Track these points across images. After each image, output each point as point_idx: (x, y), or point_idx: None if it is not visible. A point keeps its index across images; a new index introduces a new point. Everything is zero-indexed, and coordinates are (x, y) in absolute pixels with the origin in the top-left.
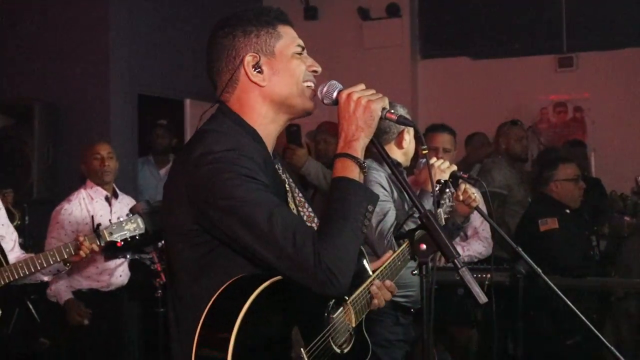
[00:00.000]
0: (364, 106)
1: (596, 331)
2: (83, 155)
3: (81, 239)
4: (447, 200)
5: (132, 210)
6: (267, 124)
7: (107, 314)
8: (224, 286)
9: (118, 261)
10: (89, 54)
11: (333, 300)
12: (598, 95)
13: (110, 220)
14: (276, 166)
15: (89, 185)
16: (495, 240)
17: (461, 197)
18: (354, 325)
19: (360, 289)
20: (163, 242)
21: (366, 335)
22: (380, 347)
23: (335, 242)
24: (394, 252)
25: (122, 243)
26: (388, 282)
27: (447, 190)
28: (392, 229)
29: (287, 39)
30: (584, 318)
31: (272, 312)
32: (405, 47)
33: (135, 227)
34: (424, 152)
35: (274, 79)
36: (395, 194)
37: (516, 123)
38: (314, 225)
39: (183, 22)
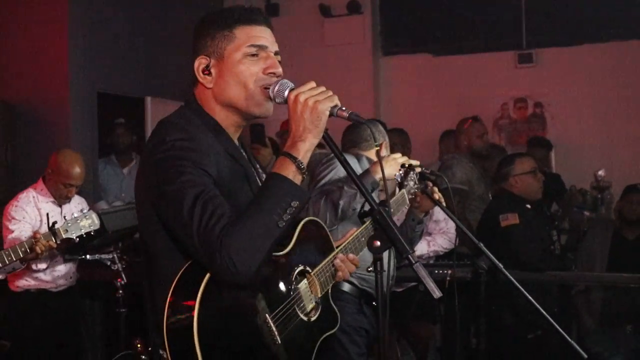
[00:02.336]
0: (311, 107)
1: (556, 324)
2: (56, 166)
3: (38, 235)
4: (412, 183)
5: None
6: (223, 119)
7: (60, 313)
8: (191, 262)
9: (68, 263)
10: (47, 52)
11: (297, 271)
12: (558, 91)
13: (65, 219)
14: (242, 153)
15: (39, 187)
16: (457, 235)
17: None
18: (319, 295)
19: (324, 261)
20: (121, 243)
21: (334, 306)
22: (342, 333)
23: (242, 232)
24: (357, 229)
25: (78, 240)
26: (351, 255)
27: (412, 173)
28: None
29: (240, 40)
30: (544, 312)
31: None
32: (367, 44)
33: (90, 223)
34: (377, 148)
35: (219, 82)
36: None
37: (477, 119)
38: None
39: (142, 19)
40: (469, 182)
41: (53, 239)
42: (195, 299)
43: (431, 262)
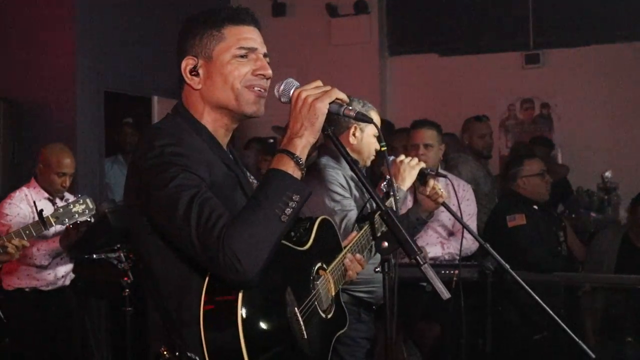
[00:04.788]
0: (309, 105)
1: (564, 325)
2: (45, 159)
3: (6, 239)
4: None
5: (97, 210)
6: (212, 122)
7: (53, 313)
8: None
9: (59, 260)
10: (54, 50)
11: (316, 267)
12: (564, 92)
13: (56, 205)
14: (231, 157)
15: (32, 185)
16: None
17: (428, 192)
18: (333, 294)
19: (337, 260)
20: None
21: (344, 306)
22: (343, 345)
23: (243, 228)
24: (358, 232)
25: (71, 226)
26: (358, 256)
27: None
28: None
29: (230, 42)
30: (551, 313)
31: (270, 274)
32: (374, 44)
33: (84, 208)
34: (383, 149)
35: (208, 83)
36: (354, 191)
37: (480, 119)
38: None
39: (150, 17)
40: (475, 181)
41: (42, 228)
42: (236, 295)
43: (437, 262)
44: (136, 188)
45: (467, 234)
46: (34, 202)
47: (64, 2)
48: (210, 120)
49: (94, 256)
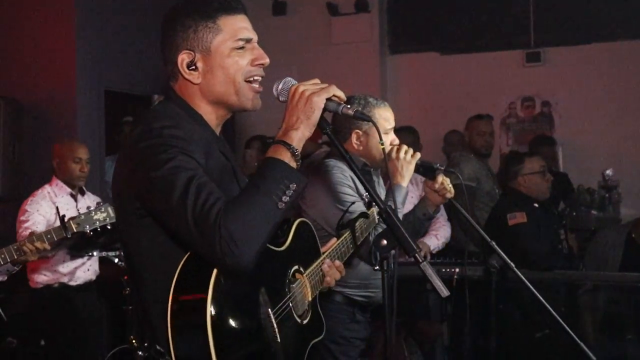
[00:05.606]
0: (306, 98)
1: (564, 324)
2: (59, 153)
3: (24, 241)
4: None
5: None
6: (208, 113)
7: (77, 309)
8: (189, 254)
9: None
10: (54, 50)
11: (293, 270)
12: (565, 90)
13: (78, 212)
14: (227, 147)
15: (54, 183)
16: (468, 234)
17: (437, 187)
18: (309, 299)
19: (314, 264)
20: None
21: (321, 313)
22: (335, 344)
23: (241, 212)
24: (337, 239)
25: (92, 233)
26: (337, 262)
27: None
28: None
29: (227, 33)
30: (553, 312)
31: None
32: (374, 43)
33: (105, 216)
34: (382, 147)
35: (208, 77)
36: (361, 189)
37: (481, 117)
38: None
39: (150, 16)
40: (477, 179)
41: (64, 233)
42: (206, 293)
43: (439, 260)
44: (131, 172)
45: (442, 222)
46: (57, 208)
47: (64, 2)
48: (207, 111)
49: (95, 254)
